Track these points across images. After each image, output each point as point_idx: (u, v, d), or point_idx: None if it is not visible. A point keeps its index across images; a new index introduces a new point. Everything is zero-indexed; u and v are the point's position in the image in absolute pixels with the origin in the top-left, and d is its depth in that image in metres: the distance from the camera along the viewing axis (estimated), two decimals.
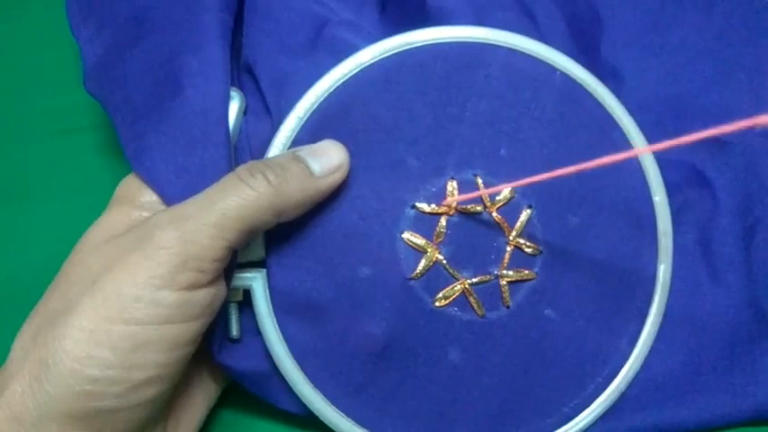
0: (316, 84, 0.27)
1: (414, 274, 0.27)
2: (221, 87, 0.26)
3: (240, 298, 0.26)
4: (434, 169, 0.27)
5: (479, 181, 0.27)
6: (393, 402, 0.26)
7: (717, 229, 0.29)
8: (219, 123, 0.25)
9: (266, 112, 0.28)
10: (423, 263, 0.27)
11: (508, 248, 0.27)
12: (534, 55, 0.28)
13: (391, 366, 0.26)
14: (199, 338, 0.24)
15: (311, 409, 0.26)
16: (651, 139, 0.28)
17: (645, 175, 0.28)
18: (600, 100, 0.28)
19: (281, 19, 0.29)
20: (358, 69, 0.27)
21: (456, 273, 0.27)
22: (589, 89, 0.28)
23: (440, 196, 0.27)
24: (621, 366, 0.28)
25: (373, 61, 0.27)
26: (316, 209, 0.26)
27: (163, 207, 0.25)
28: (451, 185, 0.27)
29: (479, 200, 0.27)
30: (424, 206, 0.27)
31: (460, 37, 0.27)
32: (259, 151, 0.27)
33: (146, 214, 0.25)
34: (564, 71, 0.28)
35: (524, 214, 0.27)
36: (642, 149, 0.28)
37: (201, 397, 0.28)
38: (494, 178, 0.27)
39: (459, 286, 0.27)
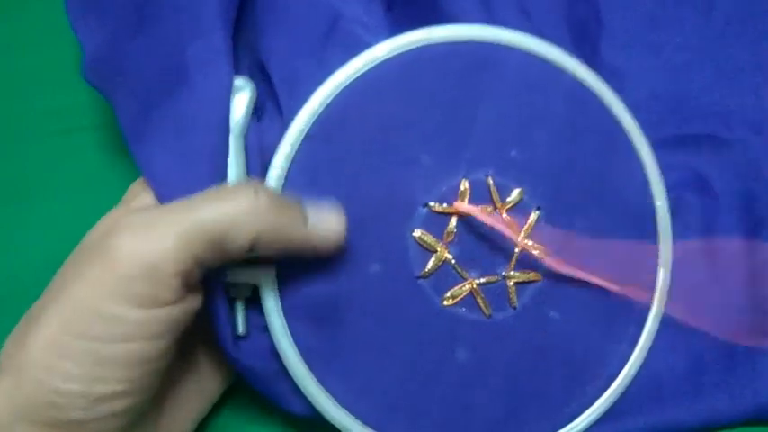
0: (331, 77, 0.26)
1: (423, 273, 0.27)
2: (225, 76, 0.25)
3: (249, 294, 0.26)
4: (447, 168, 0.27)
5: (490, 182, 0.27)
6: (400, 402, 0.26)
7: (718, 229, 0.29)
8: (220, 111, 0.25)
9: (278, 113, 0.27)
10: (432, 261, 0.27)
11: (516, 250, 0.27)
12: (547, 59, 0.28)
13: (398, 365, 0.26)
14: (169, 353, 0.22)
15: (317, 407, 0.26)
16: (652, 138, 0.29)
17: (647, 180, 0.29)
18: (609, 107, 0.28)
19: (294, 14, 0.28)
20: (374, 64, 0.26)
21: (464, 272, 0.27)
22: (599, 95, 0.28)
23: (452, 195, 0.27)
24: (621, 368, 0.28)
25: (389, 56, 0.27)
26: None
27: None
28: (464, 185, 0.27)
29: (489, 200, 0.27)
30: (435, 205, 0.27)
31: (476, 37, 0.27)
32: (270, 150, 0.26)
33: None
34: (575, 76, 0.28)
35: (533, 216, 0.28)
36: None
37: (198, 398, 0.27)
38: (504, 179, 0.27)
39: (467, 286, 0.27)
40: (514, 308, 0.27)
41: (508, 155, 0.27)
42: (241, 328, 0.26)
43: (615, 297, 0.28)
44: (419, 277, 0.27)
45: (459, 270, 0.27)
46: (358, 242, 0.26)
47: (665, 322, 0.29)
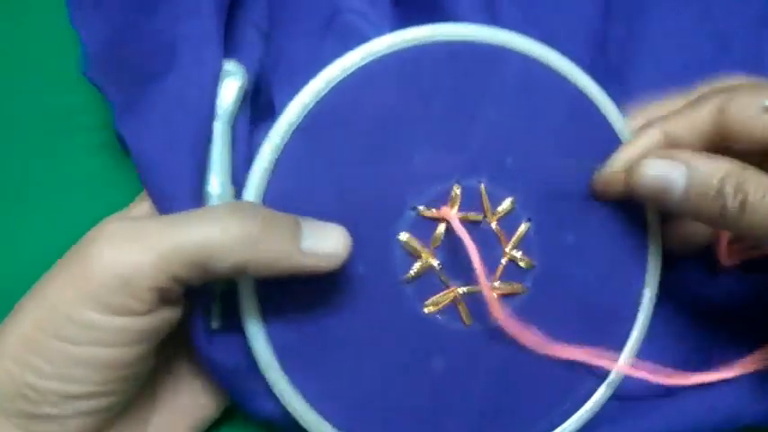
0: (325, 69, 0.25)
1: (406, 278, 0.26)
2: (213, 60, 0.24)
3: (224, 287, 0.25)
4: (440, 171, 0.26)
5: (483, 189, 0.26)
6: (373, 406, 0.26)
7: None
8: (204, 95, 0.24)
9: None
10: (416, 267, 0.26)
11: (503, 260, 0.27)
12: (549, 66, 0.27)
13: (374, 369, 0.26)
14: (144, 360, 0.22)
15: (288, 408, 0.25)
16: None
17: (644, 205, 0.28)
18: (611, 122, 0.28)
19: (295, 4, 0.27)
20: (371, 59, 0.25)
21: (448, 280, 0.26)
22: (600, 107, 0.27)
23: (443, 200, 0.26)
24: (597, 387, 0.28)
25: (388, 52, 0.26)
26: (313, 203, 0.25)
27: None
28: (455, 191, 0.26)
29: (480, 207, 0.27)
30: (425, 210, 0.26)
31: (480, 37, 0.26)
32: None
33: None
34: (579, 86, 0.27)
35: (522, 227, 0.27)
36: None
37: (191, 416, 0.27)
38: (497, 187, 0.27)
39: (449, 294, 0.26)
40: (496, 319, 0.27)
41: (503, 162, 0.27)
42: (215, 324, 0.25)
43: (599, 315, 0.28)
44: (402, 282, 0.26)
45: (443, 278, 0.26)
46: None
47: (653, 333, 0.29)
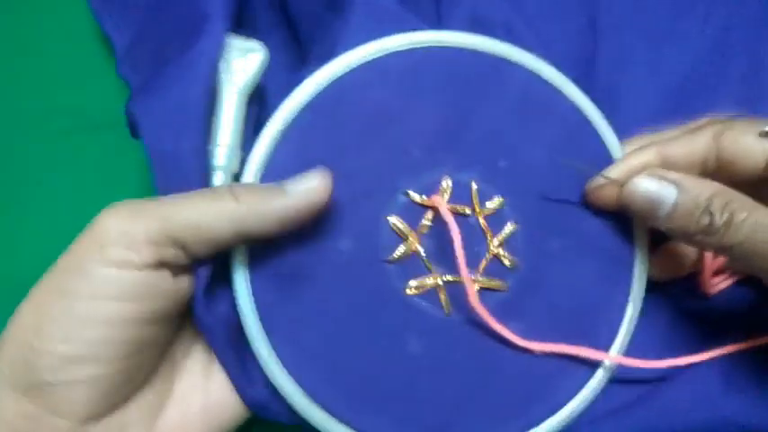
0: (341, 57, 0.27)
1: (390, 258, 0.27)
2: (217, 34, 0.26)
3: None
4: (434, 164, 0.28)
5: (473, 185, 0.28)
6: (345, 379, 0.26)
7: None
8: (205, 66, 0.26)
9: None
10: (401, 249, 0.27)
11: (487, 255, 0.28)
12: (550, 82, 0.29)
13: (351, 343, 0.26)
14: (141, 324, 0.23)
15: (265, 370, 0.26)
16: None
17: (632, 219, 0.29)
18: (602, 138, 0.29)
19: None
20: (384, 53, 0.28)
21: (431, 266, 0.27)
22: (594, 125, 0.29)
23: (433, 189, 0.28)
24: (573, 396, 0.28)
25: (400, 49, 0.28)
26: None
27: None
28: (446, 182, 0.28)
29: (469, 202, 0.28)
30: (415, 195, 0.27)
31: (487, 47, 0.28)
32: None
33: None
34: (571, 100, 0.29)
35: (508, 226, 0.28)
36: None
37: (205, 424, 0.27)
38: (488, 185, 0.28)
39: (431, 280, 0.27)
40: (471, 306, 0.27)
41: (495, 164, 0.28)
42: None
43: (580, 324, 0.28)
44: (386, 261, 0.27)
45: (427, 263, 0.27)
46: (336, 216, 0.27)
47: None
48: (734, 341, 0.28)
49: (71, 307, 0.22)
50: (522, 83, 0.29)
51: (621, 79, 0.31)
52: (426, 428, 0.27)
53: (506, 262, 0.28)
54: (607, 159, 0.29)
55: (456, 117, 0.28)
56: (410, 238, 0.27)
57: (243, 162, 0.27)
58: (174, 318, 0.25)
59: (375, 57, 0.28)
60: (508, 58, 0.29)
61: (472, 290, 0.26)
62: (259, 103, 0.28)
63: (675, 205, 0.25)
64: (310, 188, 0.24)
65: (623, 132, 0.30)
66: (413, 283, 0.27)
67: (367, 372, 0.26)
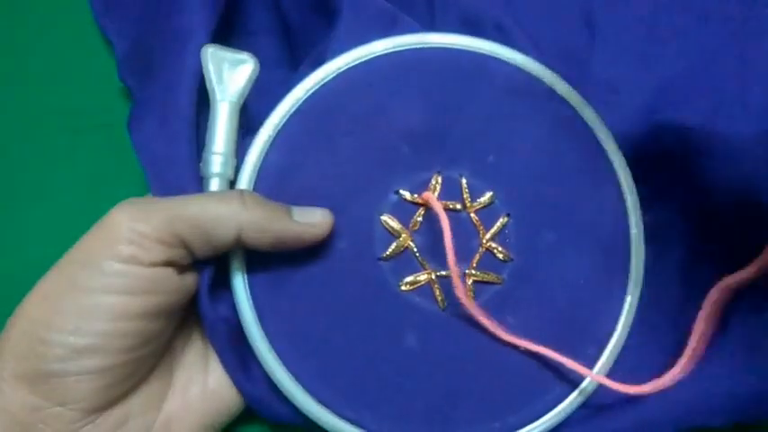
0: (329, 62, 0.28)
1: (384, 255, 0.28)
2: (197, 49, 0.28)
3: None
4: (424, 161, 0.28)
5: (463, 181, 0.28)
6: (342, 374, 0.27)
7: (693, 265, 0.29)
8: (189, 77, 0.27)
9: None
10: (393, 246, 0.28)
11: (480, 249, 0.28)
12: (538, 77, 0.29)
13: (346, 338, 0.27)
14: (147, 317, 0.24)
15: (264, 368, 0.27)
16: (647, 151, 0.29)
17: (625, 206, 0.29)
18: (593, 129, 0.29)
19: None
20: (371, 57, 0.29)
21: (425, 262, 0.28)
22: (584, 117, 0.29)
23: (425, 187, 0.28)
24: (572, 391, 0.28)
25: (386, 53, 0.29)
26: (304, 178, 0.27)
27: None
28: (436, 179, 0.28)
29: (460, 198, 0.28)
30: (406, 194, 0.28)
31: (473, 47, 0.29)
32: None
33: None
34: (562, 96, 0.29)
35: (501, 220, 0.28)
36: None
37: (204, 413, 0.27)
38: (478, 181, 0.28)
39: (425, 276, 0.28)
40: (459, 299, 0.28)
41: (485, 159, 0.29)
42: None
43: (577, 316, 0.28)
44: (380, 259, 0.28)
45: (420, 259, 0.28)
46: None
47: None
48: None
49: (80, 299, 0.23)
50: (509, 79, 0.29)
51: (617, 74, 0.31)
52: (423, 421, 0.27)
53: (499, 256, 0.28)
54: (598, 153, 0.29)
55: (444, 115, 0.29)
56: (403, 236, 0.28)
57: (236, 169, 0.28)
58: (176, 312, 0.26)
59: (362, 60, 0.29)
60: (494, 55, 0.29)
61: (459, 282, 0.26)
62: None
63: None
64: (315, 222, 0.26)
65: (619, 127, 0.30)
66: (407, 279, 0.28)
67: (364, 367, 0.27)
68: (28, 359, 0.23)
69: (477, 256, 0.28)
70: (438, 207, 0.27)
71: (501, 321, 0.28)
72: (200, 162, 0.27)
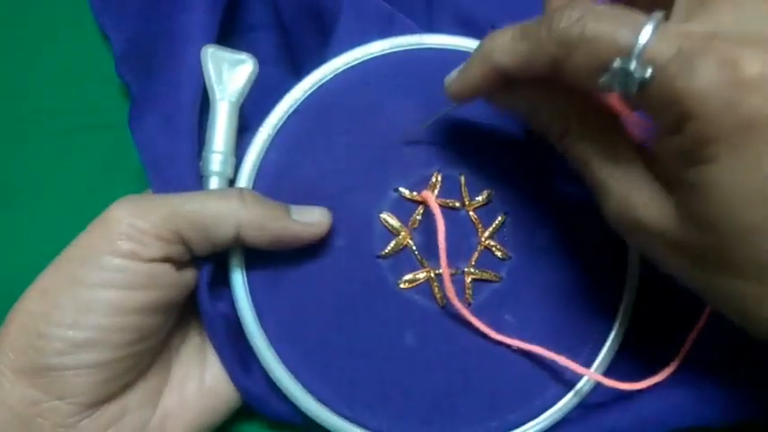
0: (327, 63, 0.29)
1: (383, 253, 0.28)
2: (198, 49, 0.28)
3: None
4: (424, 160, 0.28)
5: (462, 180, 0.28)
6: (341, 371, 0.27)
7: None
8: (192, 77, 0.28)
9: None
10: (392, 244, 0.28)
11: (479, 248, 0.28)
12: None
13: (346, 336, 0.27)
14: (145, 312, 0.24)
15: (263, 366, 0.27)
16: None
17: None
18: None
19: None
20: (369, 57, 0.29)
21: (424, 260, 0.28)
22: None
23: (424, 185, 0.28)
24: (569, 389, 0.28)
25: (383, 54, 0.29)
26: (302, 176, 0.28)
27: None
28: (436, 177, 0.28)
29: (459, 196, 0.28)
30: (405, 191, 0.28)
31: (470, 47, 0.29)
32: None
33: None
34: None
35: (499, 219, 0.28)
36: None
37: (200, 411, 0.27)
38: (477, 180, 0.29)
39: (423, 273, 0.28)
40: (469, 304, 0.28)
41: (483, 158, 0.29)
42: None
43: (575, 314, 0.28)
44: (379, 257, 0.28)
45: (419, 257, 0.28)
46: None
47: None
48: None
49: (80, 294, 0.23)
50: None
51: None
52: (422, 419, 0.27)
53: (498, 254, 0.28)
54: None
55: (445, 115, 0.29)
56: (402, 234, 0.28)
57: (236, 168, 0.28)
58: (175, 308, 0.26)
59: (360, 61, 0.29)
60: None
61: (449, 282, 0.26)
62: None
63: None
64: (313, 221, 0.26)
65: None
66: (406, 277, 0.28)
67: (363, 365, 0.27)
68: (27, 353, 0.23)
69: (476, 254, 0.28)
70: (434, 205, 0.27)
71: (499, 319, 0.28)
72: (199, 161, 0.28)
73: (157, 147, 0.27)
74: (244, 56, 0.28)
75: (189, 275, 0.26)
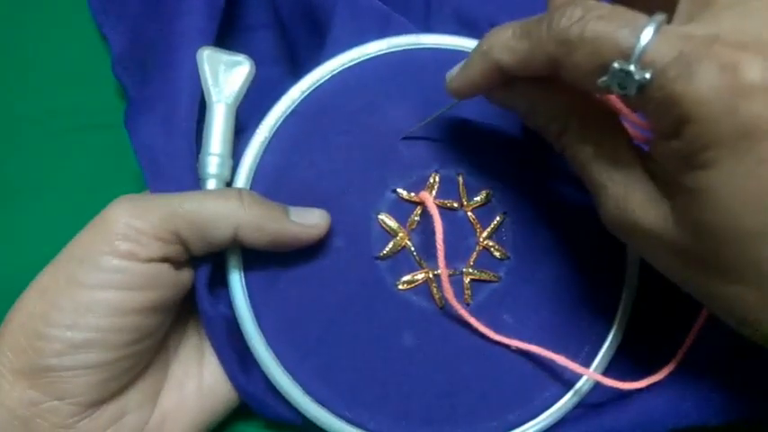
0: (324, 64, 0.29)
1: (381, 254, 0.28)
2: (194, 52, 0.28)
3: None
4: (422, 160, 0.28)
5: (460, 180, 0.28)
6: (340, 371, 0.27)
7: None
8: (189, 79, 0.28)
9: None
10: (390, 245, 0.28)
11: (477, 248, 0.28)
12: None
13: (344, 337, 0.27)
14: (143, 313, 0.24)
15: (262, 367, 0.27)
16: None
17: None
18: None
19: None
20: (365, 58, 0.29)
21: (422, 261, 0.28)
22: None
23: (422, 185, 0.28)
24: (569, 389, 0.28)
25: (380, 54, 0.29)
26: (300, 178, 0.28)
27: None
28: (434, 178, 0.28)
29: (457, 197, 0.28)
30: (403, 192, 0.28)
31: (467, 47, 0.29)
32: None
33: None
34: None
35: (497, 219, 0.28)
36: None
37: (199, 410, 0.27)
38: (475, 180, 0.28)
39: (422, 274, 0.28)
40: (468, 304, 0.28)
41: (481, 158, 0.29)
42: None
43: (574, 313, 0.28)
44: (377, 258, 0.28)
45: (417, 258, 0.28)
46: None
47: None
48: None
49: (78, 295, 0.23)
50: None
51: None
52: (421, 420, 0.27)
53: (496, 254, 0.28)
54: None
55: (442, 115, 0.29)
56: (400, 235, 0.28)
57: (233, 170, 0.28)
58: (173, 308, 0.26)
59: (357, 61, 0.29)
60: None
61: (447, 283, 0.26)
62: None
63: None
64: (312, 223, 0.26)
65: None
66: (404, 278, 0.28)
67: (362, 366, 0.27)
68: (26, 353, 0.23)
69: (475, 255, 0.28)
70: (432, 206, 0.27)
71: (498, 320, 0.28)
72: (196, 163, 0.27)
73: (155, 148, 0.27)
74: (240, 57, 0.28)
75: (186, 275, 0.26)
